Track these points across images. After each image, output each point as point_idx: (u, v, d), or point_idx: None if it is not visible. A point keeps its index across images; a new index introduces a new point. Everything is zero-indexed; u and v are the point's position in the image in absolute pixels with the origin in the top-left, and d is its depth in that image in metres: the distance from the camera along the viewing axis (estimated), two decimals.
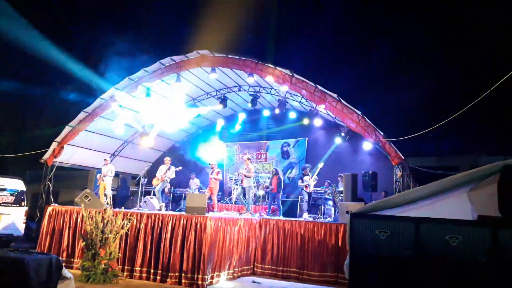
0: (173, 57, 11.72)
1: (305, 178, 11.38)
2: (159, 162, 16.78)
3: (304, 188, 11.25)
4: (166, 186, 12.37)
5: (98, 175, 11.95)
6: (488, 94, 8.00)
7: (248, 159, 11.79)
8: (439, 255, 3.68)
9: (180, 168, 11.92)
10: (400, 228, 3.92)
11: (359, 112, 10.34)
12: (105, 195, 11.87)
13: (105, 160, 12.48)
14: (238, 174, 11.78)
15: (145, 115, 12.87)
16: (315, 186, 11.71)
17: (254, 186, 12.09)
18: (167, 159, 11.90)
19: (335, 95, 10.44)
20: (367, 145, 11.47)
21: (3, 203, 10.97)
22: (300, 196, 11.59)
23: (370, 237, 4.00)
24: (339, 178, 11.90)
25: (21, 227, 11.20)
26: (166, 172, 11.41)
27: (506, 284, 3.45)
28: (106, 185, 11.90)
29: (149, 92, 12.30)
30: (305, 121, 13.27)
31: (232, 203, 13.16)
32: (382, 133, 10.31)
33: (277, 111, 13.12)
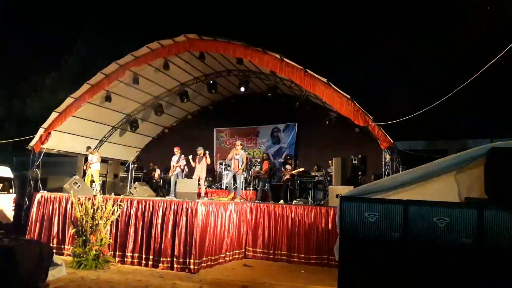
0: (160, 41, 11.53)
1: (287, 166, 11.59)
2: (148, 147, 16.73)
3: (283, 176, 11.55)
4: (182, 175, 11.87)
5: (85, 164, 11.89)
6: (474, 79, 8.06)
7: (240, 145, 11.71)
8: (427, 237, 3.76)
9: (191, 156, 11.82)
10: (389, 210, 3.97)
11: (348, 96, 10.34)
12: (93, 181, 11.81)
13: (89, 148, 12.39)
14: (230, 159, 11.63)
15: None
16: (304, 171, 11.88)
17: (245, 172, 12.16)
18: (177, 149, 11.93)
19: (324, 79, 10.41)
20: (356, 129, 11.54)
21: None
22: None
23: (360, 220, 4.06)
24: (329, 162, 12.00)
25: (9, 214, 11.12)
26: (179, 161, 11.49)
27: (491, 265, 3.54)
28: (93, 173, 11.83)
29: (137, 77, 12.15)
30: (295, 106, 13.21)
31: (223, 188, 13.19)
32: (371, 117, 10.36)
33: (267, 96, 13.07)
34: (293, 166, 11.97)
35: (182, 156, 11.73)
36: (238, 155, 11.08)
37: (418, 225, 3.81)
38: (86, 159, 12.46)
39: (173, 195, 11.15)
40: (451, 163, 4.25)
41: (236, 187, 11.20)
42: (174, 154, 11.91)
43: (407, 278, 3.80)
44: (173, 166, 11.67)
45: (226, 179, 12.41)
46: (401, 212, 3.89)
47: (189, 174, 12.12)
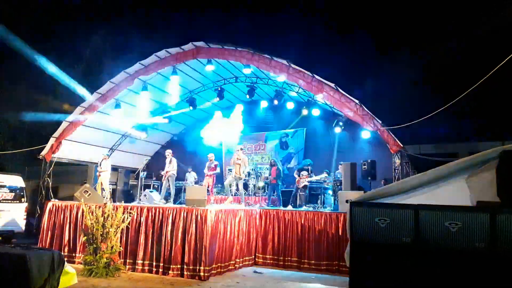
0: (168, 50, 11.65)
1: (303, 173, 11.43)
2: (157, 155, 16.82)
3: (296, 182, 11.37)
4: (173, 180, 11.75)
5: (98, 169, 11.94)
6: (485, 80, 7.97)
7: (241, 149, 11.32)
8: (439, 242, 3.70)
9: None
10: (399, 215, 3.93)
11: (356, 101, 10.31)
12: (103, 189, 11.88)
13: (104, 156, 12.49)
14: (233, 164, 11.11)
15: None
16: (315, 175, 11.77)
17: (247, 176, 12.03)
18: (168, 152, 11.83)
19: (332, 84, 10.40)
20: (366, 134, 11.44)
21: (3, 199, 10.97)
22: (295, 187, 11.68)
23: (370, 225, 4.02)
24: (339, 167, 11.89)
25: (21, 223, 11.22)
26: (169, 166, 11.43)
27: (505, 269, 3.48)
28: (103, 180, 11.91)
29: (146, 85, 12.27)
30: (303, 111, 13.17)
31: (232, 195, 13.15)
32: (380, 121, 10.29)
33: (275, 102, 13.10)
34: (309, 172, 11.70)
35: (174, 159, 11.59)
36: (240, 159, 10.86)
37: (430, 230, 3.76)
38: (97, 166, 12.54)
39: (164, 200, 10.98)
40: (462, 167, 4.20)
41: (240, 192, 10.96)
42: (166, 157, 11.70)
43: (419, 283, 3.75)
44: (166, 170, 11.53)
45: (226, 183, 11.83)
46: (412, 217, 3.84)
47: (199, 181, 12.10)
